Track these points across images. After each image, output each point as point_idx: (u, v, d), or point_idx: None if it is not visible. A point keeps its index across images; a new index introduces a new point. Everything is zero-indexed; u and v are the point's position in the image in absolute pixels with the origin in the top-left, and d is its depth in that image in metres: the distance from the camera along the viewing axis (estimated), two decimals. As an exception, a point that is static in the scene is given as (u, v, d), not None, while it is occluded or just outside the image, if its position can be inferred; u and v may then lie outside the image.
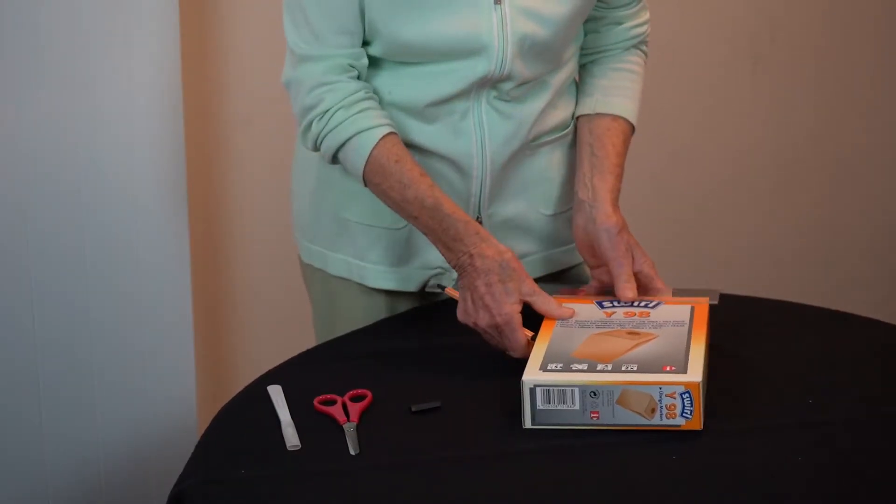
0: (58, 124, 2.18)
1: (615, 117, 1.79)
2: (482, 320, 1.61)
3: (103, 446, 2.35)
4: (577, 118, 1.81)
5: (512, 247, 1.67)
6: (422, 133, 1.71)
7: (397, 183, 1.66)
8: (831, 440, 1.45)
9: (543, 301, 1.62)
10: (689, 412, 1.45)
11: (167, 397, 2.40)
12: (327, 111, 1.68)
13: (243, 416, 1.53)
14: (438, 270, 1.79)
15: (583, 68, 1.84)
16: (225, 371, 2.68)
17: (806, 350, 1.68)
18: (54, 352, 2.26)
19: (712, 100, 3.06)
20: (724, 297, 1.84)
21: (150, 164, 2.28)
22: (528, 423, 1.48)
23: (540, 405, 1.47)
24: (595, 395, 1.46)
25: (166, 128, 2.28)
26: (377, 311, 1.81)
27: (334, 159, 1.71)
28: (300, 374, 1.61)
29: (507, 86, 1.71)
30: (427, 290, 1.81)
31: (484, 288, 1.61)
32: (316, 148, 1.71)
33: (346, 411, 1.50)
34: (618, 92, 1.81)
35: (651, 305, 1.65)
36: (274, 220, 2.53)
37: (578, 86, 1.84)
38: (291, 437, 1.45)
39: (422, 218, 1.67)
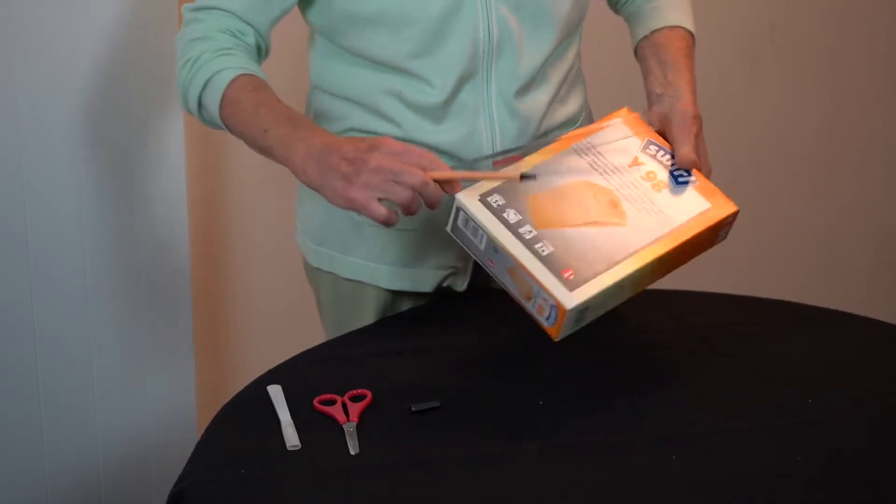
0: (56, 124, 2.18)
1: (671, 27, 1.76)
2: (412, 178, 1.44)
3: (103, 446, 2.35)
4: (636, 46, 1.78)
5: None
6: (434, 134, 1.69)
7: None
8: (831, 440, 1.45)
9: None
10: (552, 321, 1.45)
11: (167, 397, 2.40)
12: (198, 58, 1.61)
13: (243, 415, 1.53)
14: (452, 270, 1.79)
15: (623, 8, 1.84)
16: (225, 371, 2.68)
17: (806, 350, 1.68)
18: (54, 352, 2.26)
19: (712, 100, 3.05)
20: (724, 298, 1.84)
21: (150, 163, 2.28)
22: (448, 229, 1.52)
23: (459, 224, 1.51)
24: (496, 251, 1.47)
25: (166, 127, 2.28)
26: (391, 312, 1.81)
27: (200, 109, 1.61)
28: (300, 374, 1.61)
29: (509, 63, 1.68)
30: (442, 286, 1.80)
31: (378, 156, 1.44)
32: (186, 102, 1.63)
33: (346, 411, 1.49)
34: (667, 5, 1.79)
35: (682, 180, 1.60)
36: (274, 220, 2.52)
37: (629, 24, 1.82)
38: (291, 437, 1.45)
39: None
